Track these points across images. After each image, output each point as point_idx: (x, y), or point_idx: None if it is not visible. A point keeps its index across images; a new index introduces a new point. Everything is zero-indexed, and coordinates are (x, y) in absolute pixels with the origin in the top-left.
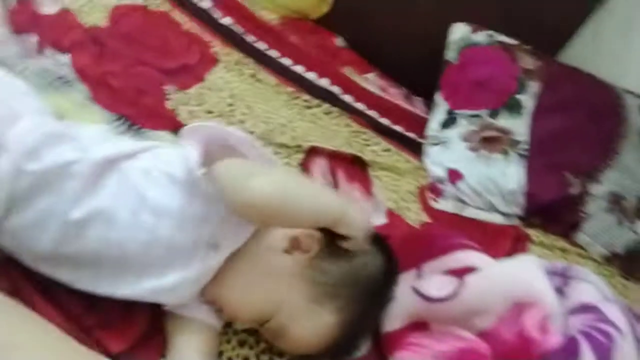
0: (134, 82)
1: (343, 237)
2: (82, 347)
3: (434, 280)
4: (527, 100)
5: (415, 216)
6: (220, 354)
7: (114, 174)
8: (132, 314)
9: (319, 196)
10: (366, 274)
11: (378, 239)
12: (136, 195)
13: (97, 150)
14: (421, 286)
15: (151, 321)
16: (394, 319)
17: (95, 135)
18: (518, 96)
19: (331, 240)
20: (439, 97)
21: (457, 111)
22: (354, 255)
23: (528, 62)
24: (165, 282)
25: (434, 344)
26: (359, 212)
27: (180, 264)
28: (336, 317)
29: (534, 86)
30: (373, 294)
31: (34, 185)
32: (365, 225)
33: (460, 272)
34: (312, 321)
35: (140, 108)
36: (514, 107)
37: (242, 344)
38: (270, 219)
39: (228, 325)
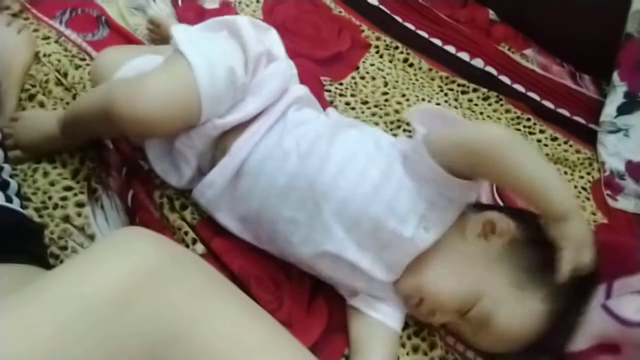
0: None
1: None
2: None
3: (628, 301)
4: None
5: (589, 216)
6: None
7: (355, 132)
8: (315, 311)
9: (552, 175)
10: None
11: None
12: (366, 154)
13: (342, 118)
14: (614, 306)
15: (330, 319)
16: (579, 337)
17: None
18: None
19: (530, 227)
20: (616, 77)
21: (639, 94)
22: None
23: None
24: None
25: None
26: (585, 227)
27: (393, 226)
28: (543, 306)
29: None
30: (578, 287)
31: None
32: (586, 244)
33: None
34: (518, 308)
35: None
36: None
37: (416, 349)
38: (494, 163)
39: (402, 329)
